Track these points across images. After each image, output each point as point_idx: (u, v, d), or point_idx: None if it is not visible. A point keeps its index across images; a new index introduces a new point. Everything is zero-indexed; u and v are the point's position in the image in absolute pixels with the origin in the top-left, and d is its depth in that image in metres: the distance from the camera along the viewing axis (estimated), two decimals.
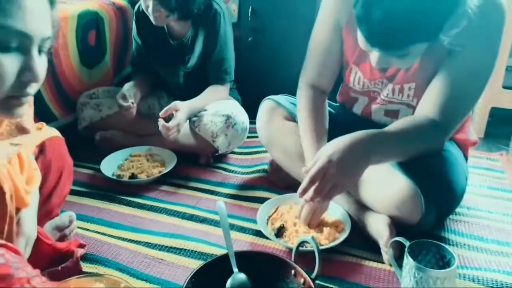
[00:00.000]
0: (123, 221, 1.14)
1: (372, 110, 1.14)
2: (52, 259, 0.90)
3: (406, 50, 0.83)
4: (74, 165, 1.02)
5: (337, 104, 1.27)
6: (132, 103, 1.40)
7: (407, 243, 0.83)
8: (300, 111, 1.13)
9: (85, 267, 0.94)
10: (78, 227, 1.08)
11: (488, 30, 0.90)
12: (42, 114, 1.42)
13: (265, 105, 1.25)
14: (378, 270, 0.95)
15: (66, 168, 0.98)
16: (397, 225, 0.97)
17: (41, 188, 0.89)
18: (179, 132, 1.35)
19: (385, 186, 0.98)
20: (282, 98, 1.25)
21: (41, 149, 0.92)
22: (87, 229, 1.09)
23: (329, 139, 1.04)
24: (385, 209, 0.98)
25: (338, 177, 0.86)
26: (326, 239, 0.99)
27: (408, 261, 0.80)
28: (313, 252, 0.83)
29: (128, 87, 1.46)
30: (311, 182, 0.88)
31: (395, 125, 0.94)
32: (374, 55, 0.88)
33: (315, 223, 1.04)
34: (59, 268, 0.88)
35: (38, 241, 0.86)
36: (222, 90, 1.50)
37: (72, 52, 1.47)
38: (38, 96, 1.45)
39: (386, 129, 0.93)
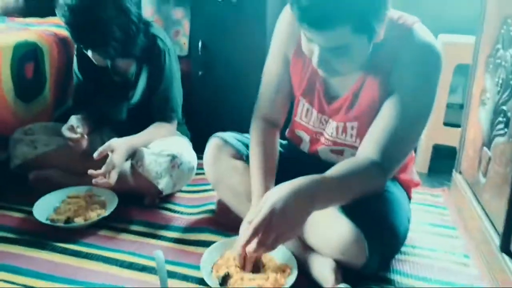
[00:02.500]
0: (55, 272, 1.04)
1: (318, 150, 1.14)
2: None
3: (334, 30, 0.82)
4: (2, 208, 0.93)
5: (286, 141, 1.27)
6: (82, 134, 1.33)
7: None
8: (252, 145, 1.13)
9: None
10: (2, 280, 0.97)
11: (427, 75, 0.94)
12: None
13: (212, 143, 1.22)
14: None
15: None
16: (343, 268, 0.96)
17: None
18: (117, 175, 1.27)
19: (329, 230, 0.97)
20: (230, 136, 1.22)
21: None
22: (13, 282, 0.99)
23: (278, 177, 1.03)
24: (330, 253, 0.97)
25: (282, 227, 0.83)
26: (273, 285, 0.95)
27: None
28: None
29: (75, 119, 1.38)
30: (255, 233, 0.84)
31: (337, 169, 0.93)
32: (315, 53, 0.89)
33: (250, 267, 0.99)
34: None
35: None
36: (167, 127, 1.45)
37: (5, 85, 1.37)
38: None
39: (328, 173, 0.92)
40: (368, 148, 0.96)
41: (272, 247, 0.87)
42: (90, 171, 1.22)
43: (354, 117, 1.02)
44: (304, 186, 0.85)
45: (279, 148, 1.18)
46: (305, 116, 1.12)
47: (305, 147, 1.18)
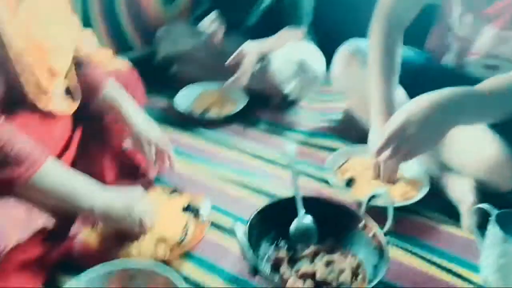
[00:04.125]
0: (194, 153, 1.16)
1: (466, 63, 1.01)
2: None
3: None
4: (148, 97, 1.05)
5: (423, 52, 1.15)
6: (218, 28, 1.40)
7: (494, 211, 0.75)
8: (372, 49, 1.02)
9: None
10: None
11: None
12: (119, 43, 1.46)
13: (343, 51, 1.16)
14: (455, 236, 0.89)
15: (137, 98, 1.00)
16: (482, 191, 0.89)
17: None
18: (248, 77, 1.32)
19: (475, 148, 0.88)
20: (363, 43, 1.14)
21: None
22: None
23: (412, 94, 0.96)
24: (472, 172, 0.89)
25: (417, 139, 0.78)
26: (400, 196, 0.93)
27: (494, 231, 0.73)
28: (383, 209, 0.79)
29: (211, 19, 1.44)
30: (388, 141, 0.81)
31: (490, 82, 0.81)
32: None
33: (389, 181, 0.97)
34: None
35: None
36: (297, 32, 1.42)
37: None
38: (116, 25, 1.49)
39: (480, 86, 0.81)
40: None
41: (404, 158, 0.84)
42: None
43: None
44: (450, 97, 0.77)
45: (414, 59, 1.08)
46: (454, 21, 0.98)
47: (449, 59, 1.05)
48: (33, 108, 0.74)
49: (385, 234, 0.76)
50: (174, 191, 0.95)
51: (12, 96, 0.71)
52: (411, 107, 0.79)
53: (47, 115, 0.77)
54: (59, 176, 0.70)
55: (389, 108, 0.96)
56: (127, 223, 0.77)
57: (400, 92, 1.04)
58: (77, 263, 0.77)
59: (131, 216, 0.77)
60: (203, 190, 0.99)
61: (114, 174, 0.97)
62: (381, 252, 0.74)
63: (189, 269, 0.79)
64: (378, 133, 0.95)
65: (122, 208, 0.76)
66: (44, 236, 0.71)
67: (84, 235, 0.82)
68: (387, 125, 0.82)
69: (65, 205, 0.71)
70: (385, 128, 0.83)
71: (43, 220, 0.69)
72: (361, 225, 0.80)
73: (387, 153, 0.83)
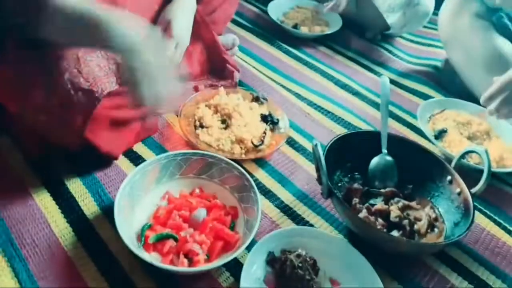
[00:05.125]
0: (279, 67, 1.11)
1: None
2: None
3: None
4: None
5: None
6: None
7: None
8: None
9: None
10: (237, 56, 1.09)
11: None
12: None
13: None
14: None
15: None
16: None
17: None
18: (347, 2, 1.20)
19: None
20: None
21: None
22: (245, 61, 1.09)
23: None
24: None
25: None
26: (495, 162, 0.85)
27: None
28: (475, 171, 0.72)
29: None
30: (500, 90, 0.75)
31: None
32: None
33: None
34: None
35: (214, 49, 0.93)
36: None
37: None
38: None
39: None
40: None
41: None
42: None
43: None
44: None
45: None
46: None
47: None
48: None
49: (474, 194, 0.70)
50: (257, 98, 0.92)
51: None
52: None
53: None
54: None
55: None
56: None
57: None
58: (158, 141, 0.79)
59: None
60: (283, 105, 0.96)
61: (201, 69, 0.96)
62: (465, 212, 0.69)
63: (261, 175, 0.79)
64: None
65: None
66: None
67: (169, 119, 0.83)
68: (501, 77, 0.76)
69: None
70: (497, 78, 0.77)
71: None
72: (448, 179, 0.74)
73: (496, 102, 0.78)
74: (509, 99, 0.76)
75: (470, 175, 0.74)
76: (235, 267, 0.62)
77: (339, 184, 0.77)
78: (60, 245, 0.62)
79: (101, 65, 0.66)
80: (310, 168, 0.82)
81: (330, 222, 0.72)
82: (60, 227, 0.64)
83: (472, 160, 0.85)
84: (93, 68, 0.65)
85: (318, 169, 0.67)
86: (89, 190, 0.70)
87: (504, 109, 0.78)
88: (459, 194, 0.72)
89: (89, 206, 0.68)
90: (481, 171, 0.70)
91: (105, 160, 0.74)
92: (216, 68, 0.97)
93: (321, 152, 0.65)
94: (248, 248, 0.61)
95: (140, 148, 0.79)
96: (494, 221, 0.77)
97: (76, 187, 0.70)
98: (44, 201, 0.67)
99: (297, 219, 0.72)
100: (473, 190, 0.70)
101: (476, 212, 0.77)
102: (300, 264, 0.60)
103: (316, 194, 0.76)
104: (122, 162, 0.75)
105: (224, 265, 0.61)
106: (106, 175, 0.73)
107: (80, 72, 0.63)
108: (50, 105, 0.63)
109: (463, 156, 0.76)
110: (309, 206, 0.75)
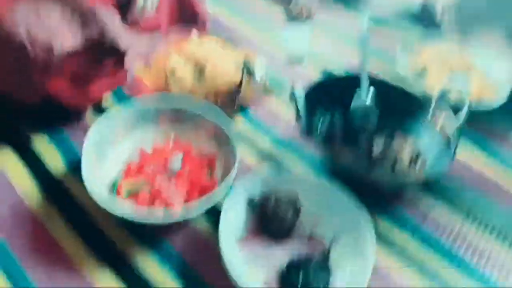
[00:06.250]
0: (252, 11, 1.05)
1: None
2: None
3: None
4: None
5: None
6: None
7: None
8: None
9: None
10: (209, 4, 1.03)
11: None
12: None
13: None
14: None
15: None
16: None
17: None
18: None
19: None
20: None
21: None
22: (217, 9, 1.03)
23: None
24: None
25: None
26: (477, 96, 0.82)
27: None
28: (456, 106, 0.70)
29: None
30: None
31: None
32: None
33: None
34: None
35: None
36: None
37: None
38: None
39: None
40: None
41: None
42: None
43: None
44: None
45: None
46: None
47: None
48: None
49: (456, 130, 0.69)
50: (231, 45, 0.88)
51: None
52: None
53: None
54: None
55: None
56: None
57: None
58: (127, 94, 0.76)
59: None
60: (258, 50, 0.91)
61: (171, 18, 0.90)
62: (447, 146, 0.68)
63: (238, 122, 0.76)
64: None
65: None
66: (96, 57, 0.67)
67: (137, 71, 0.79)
68: None
69: None
70: None
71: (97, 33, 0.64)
72: (429, 116, 0.72)
73: None
74: None
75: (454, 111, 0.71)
76: (214, 215, 0.60)
77: (320, 125, 0.74)
78: (24, 204, 0.60)
79: (62, 18, 0.62)
80: (289, 114, 0.79)
81: (311, 166, 0.71)
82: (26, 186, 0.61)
83: (453, 96, 0.82)
84: (54, 21, 0.61)
85: (297, 110, 0.65)
86: (57, 146, 0.67)
87: None
88: (440, 129, 0.70)
89: (56, 163, 0.65)
90: (461, 107, 0.68)
91: (72, 115, 0.70)
92: (186, 17, 0.92)
93: (298, 95, 0.63)
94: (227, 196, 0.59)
95: (110, 103, 0.76)
96: (476, 154, 0.77)
97: (42, 144, 0.67)
98: (9, 161, 0.64)
99: (276, 165, 0.70)
100: (454, 123, 0.69)
101: (461, 147, 0.76)
102: (281, 205, 0.59)
103: (296, 140, 0.74)
104: (91, 117, 0.72)
105: (203, 214, 0.60)
106: (74, 130, 0.69)
107: (39, 24, 0.59)
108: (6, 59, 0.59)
109: (443, 92, 0.74)
110: (289, 152, 0.73)
